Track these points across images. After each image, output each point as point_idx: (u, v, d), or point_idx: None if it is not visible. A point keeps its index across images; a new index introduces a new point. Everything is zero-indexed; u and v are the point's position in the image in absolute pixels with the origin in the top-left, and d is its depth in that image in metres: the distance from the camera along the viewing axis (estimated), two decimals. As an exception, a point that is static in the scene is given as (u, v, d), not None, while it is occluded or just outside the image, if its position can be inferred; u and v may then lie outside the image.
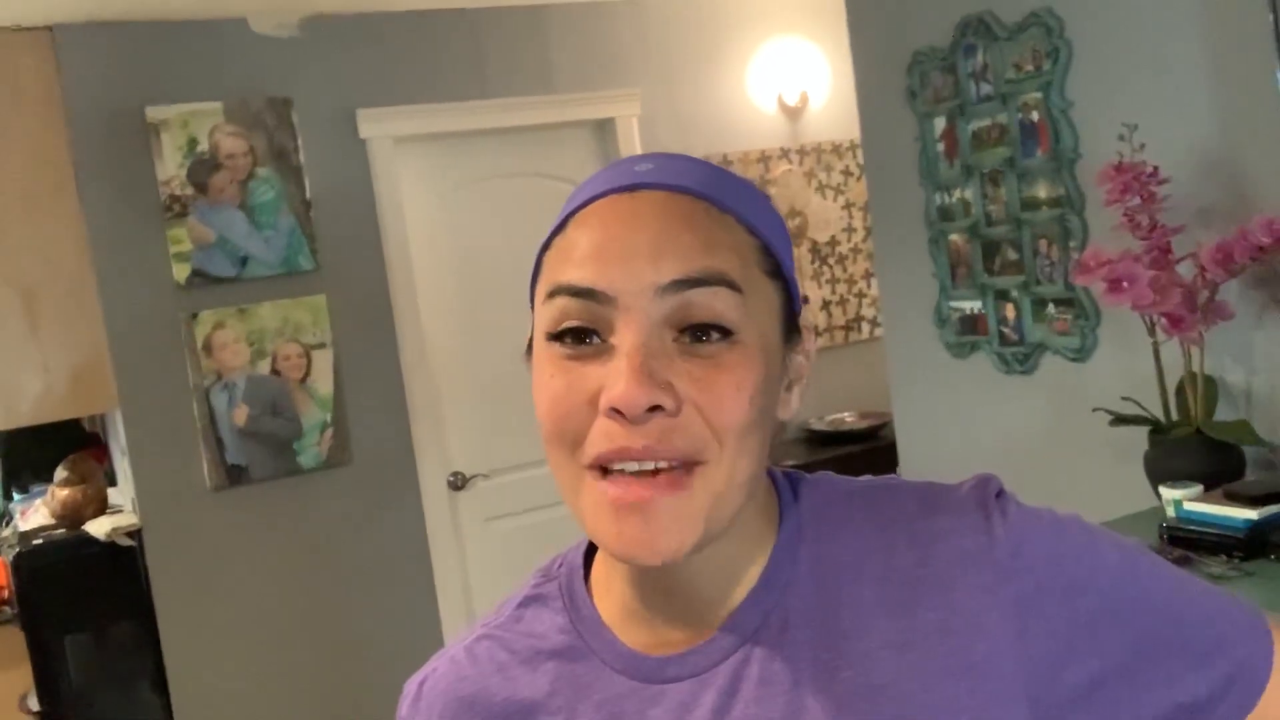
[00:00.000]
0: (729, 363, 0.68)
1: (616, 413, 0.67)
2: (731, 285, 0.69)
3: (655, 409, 0.66)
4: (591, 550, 0.83)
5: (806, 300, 4.28)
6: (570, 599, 0.80)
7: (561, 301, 0.69)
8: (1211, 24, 2.08)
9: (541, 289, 0.73)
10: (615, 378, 0.66)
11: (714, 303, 0.68)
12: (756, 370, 0.69)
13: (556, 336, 0.70)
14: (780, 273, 0.74)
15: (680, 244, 0.69)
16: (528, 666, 0.79)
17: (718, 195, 0.72)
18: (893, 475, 0.81)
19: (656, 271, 0.68)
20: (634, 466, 0.68)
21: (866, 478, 0.81)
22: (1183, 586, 0.78)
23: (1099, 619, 0.73)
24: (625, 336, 0.67)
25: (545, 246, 0.75)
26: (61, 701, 3.17)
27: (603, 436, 0.68)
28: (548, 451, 0.72)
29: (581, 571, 0.81)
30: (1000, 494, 0.75)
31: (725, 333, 0.68)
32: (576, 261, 0.70)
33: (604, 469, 0.69)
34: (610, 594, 0.78)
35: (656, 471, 0.68)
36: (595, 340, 0.69)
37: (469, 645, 0.82)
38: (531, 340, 0.75)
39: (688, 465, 0.68)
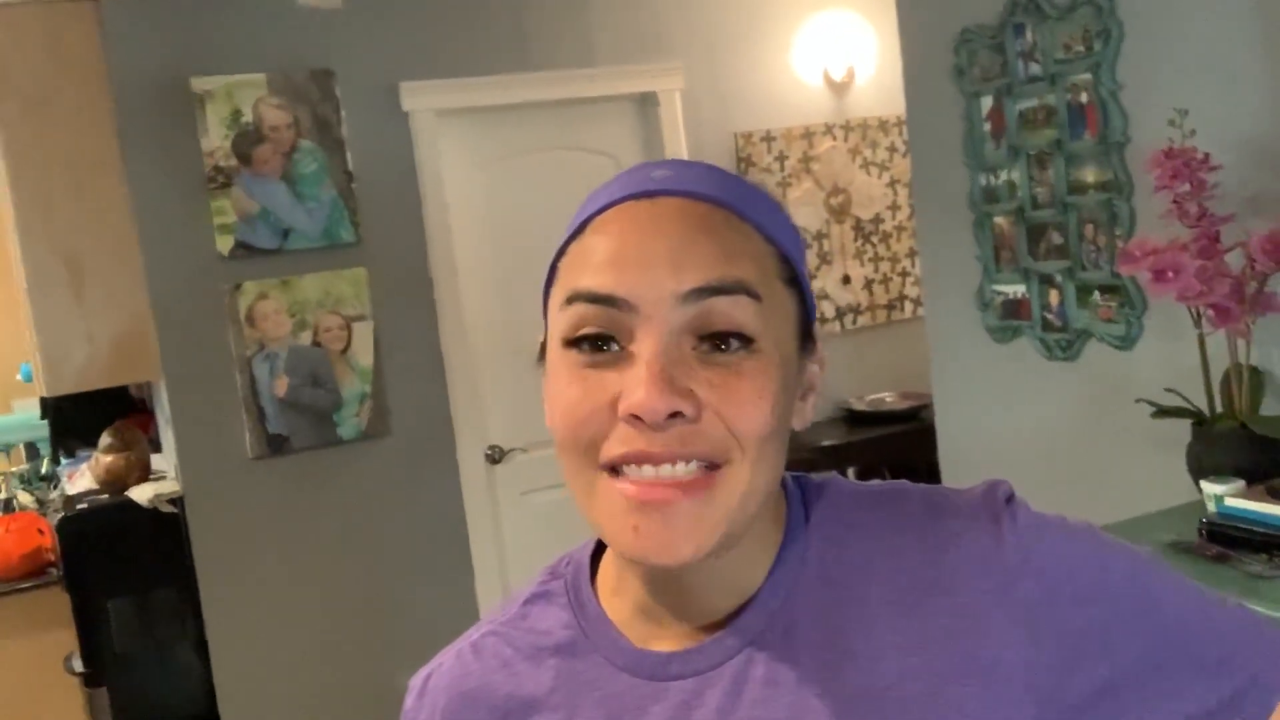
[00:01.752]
0: (749, 371, 0.68)
1: (636, 419, 0.66)
2: (751, 294, 0.69)
3: (675, 415, 0.66)
4: (599, 549, 0.83)
5: (847, 281, 4.24)
6: (575, 596, 0.81)
7: (580, 308, 0.69)
8: (1266, 8, 2.02)
9: (557, 295, 0.72)
10: (635, 384, 0.66)
11: (734, 311, 0.68)
12: (775, 378, 0.69)
13: (573, 343, 0.70)
14: (797, 281, 0.74)
15: (701, 252, 0.68)
16: (531, 662, 0.79)
17: (736, 203, 0.72)
18: (902, 480, 0.81)
19: (677, 280, 0.67)
20: (651, 471, 0.68)
21: (875, 482, 0.81)
22: (1195, 598, 0.78)
23: (1108, 627, 0.73)
24: (645, 344, 0.67)
25: (560, 253, 0.74)
26: (104, 663, 3.24)
27: (621, 439, 0.68)
28: (561, 457, 0.72)
29: (588, 570, 0.82)
30: (1010, 499, 0.75)
31: (745, 341, 0.68)
32: (595, 268, 0.69)
33: (617, 470, 0.69)
34: (619, 592, 0.79)
35: (677, 481, 0.68)
36: (613, 347, 0.69)
37: (474, 641, 0.83)
38: (544, 345, 0.75)
39: (711, 466, 0.68)
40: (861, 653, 0.72)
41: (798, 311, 0.74)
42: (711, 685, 0.73)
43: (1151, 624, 0.74)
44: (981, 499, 0.75)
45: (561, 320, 0.70)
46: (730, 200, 0.72)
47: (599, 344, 0.69)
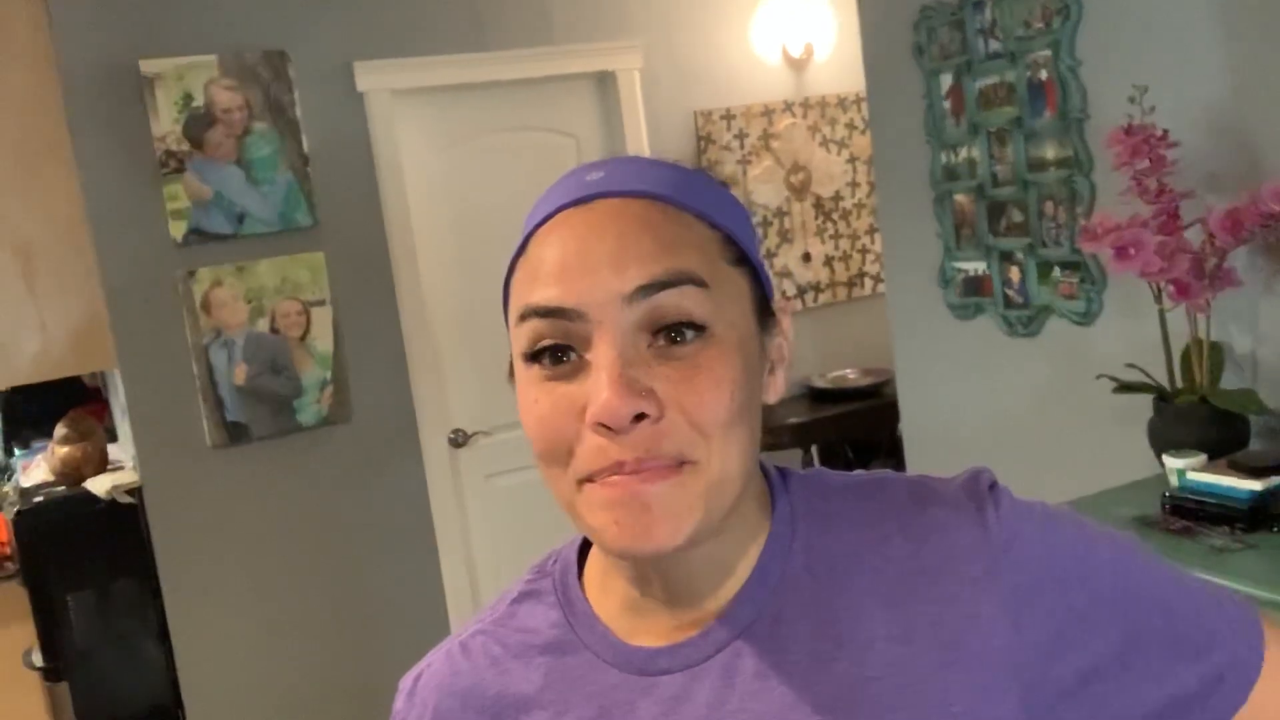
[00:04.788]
0: (706, 360, 0.69)
1: (603, 426, 0.67)
2: (697, 282, 0.69)
3: (640, 417, 0.67)
4: (586, 546, 0.83)
5: (808, 258, 4.25)
6: (564, 594, 0.81)
7: (533, 323, 0.70)
8: (1226, -17, 2.03)
9: (513, 313, 0.73)
10: (597, 391, 0.67)
11: (682, 302, 0.69)
12: (734, 363, 0.70)
13: (533, 357, 0.70)
14: (747, 260, 0.74)
15: (641, 249, 0.69)
16: (521, 661, 0.79)
17: (673, 193, 0.72)
18: (886, 470, 0.81)
19: (621, 280, 0.68)
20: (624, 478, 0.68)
21: (859, 472, 0.82)
22: (1175, 581, 0.79)
23: (1091, 612, 0.74)
24: (601, 350, 0.68)
25: (510, 269, 0.75)
26: (65, 657, 3.19)
27: (593, 452, 0.68)
28: (541, 468, 0.72)
29: (575, 567, 0.82)
30: (993, 487, 0.76)
31: (698, 329, 0.69)
32: (541, 282, 0.70)
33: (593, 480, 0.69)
34: (605, 588, 0.79)
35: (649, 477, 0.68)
36: (572, 357, 0.69)
37: (464, 641, 0.83)
38: (512, 362, 0.76)
39: (677, 464, 0.69)
40: (850, 643, 0.73)
41: (751, 289, 0.74)
42: (701, 679, 0.73)
43: (1134, 608, 0.75)
44: (965, 487, 0.76)
45: (519, 336, 0.71)
46: (666, 191, 0.72)
47: (559, 355, 0.69)
